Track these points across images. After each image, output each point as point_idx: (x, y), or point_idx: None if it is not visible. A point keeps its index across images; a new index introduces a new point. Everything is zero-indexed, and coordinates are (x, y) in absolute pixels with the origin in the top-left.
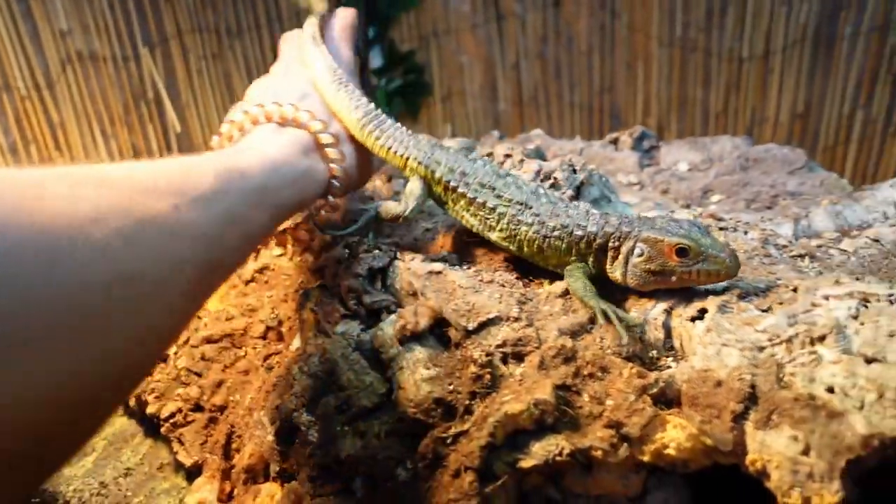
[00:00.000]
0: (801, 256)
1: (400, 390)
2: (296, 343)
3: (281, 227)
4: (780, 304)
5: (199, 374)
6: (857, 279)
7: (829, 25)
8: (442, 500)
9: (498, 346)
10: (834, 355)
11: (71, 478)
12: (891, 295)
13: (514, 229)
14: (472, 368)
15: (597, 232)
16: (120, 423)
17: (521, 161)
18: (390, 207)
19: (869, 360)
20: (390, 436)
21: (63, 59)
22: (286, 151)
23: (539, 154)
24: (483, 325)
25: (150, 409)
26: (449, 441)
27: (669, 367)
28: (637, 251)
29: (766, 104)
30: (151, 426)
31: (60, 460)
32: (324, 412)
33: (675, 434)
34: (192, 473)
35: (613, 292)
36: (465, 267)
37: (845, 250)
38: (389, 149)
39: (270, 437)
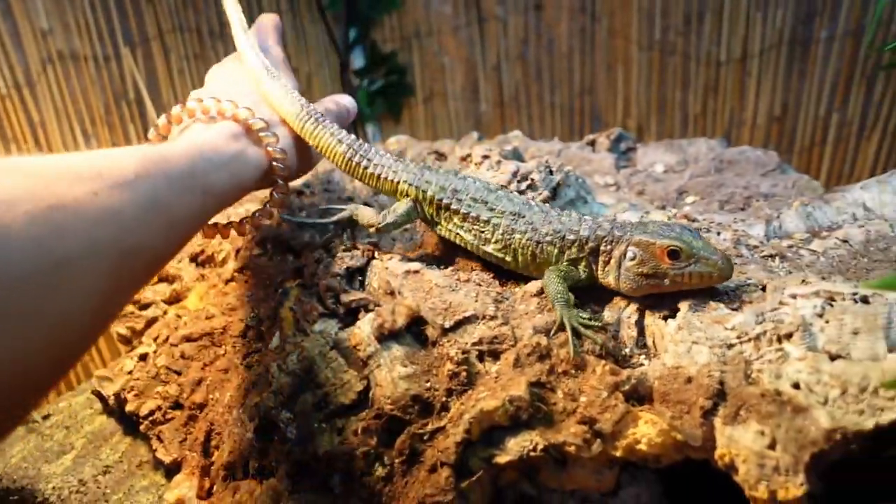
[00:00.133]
0: (772, 257)
1: (377, 387)
2: (275, 341)
3: (232, 220)
4: (749, 302)
5: (178, 373)
6: (824, 278)
7: (804, 30)
8: (418, 496)
9: (474, 344)
10: (800, 352)
11: (50, 476)
12: (855, 294)
13: (509, 238)
14: (449, 366)
15: (588, 236)
16: (99, 421)
17: (499, 162)
18: (367, 214)
19: (833, 357)
20: (367, 432)
21: (44, 58)
22: (213, 138)
23: (517, 155)
24: (460, 324)
25: (129, 407)
26: (426, 437)
27: (642, 364)
28: (629, 255)
29: (744, 107)
30: (130, 424)
31: None
32: (302, 409)
33: (647, 430)
34: (172, 471)
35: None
36: (442, 267)
37: (815, 251)
38: (379, 176)
39: (249, 435)
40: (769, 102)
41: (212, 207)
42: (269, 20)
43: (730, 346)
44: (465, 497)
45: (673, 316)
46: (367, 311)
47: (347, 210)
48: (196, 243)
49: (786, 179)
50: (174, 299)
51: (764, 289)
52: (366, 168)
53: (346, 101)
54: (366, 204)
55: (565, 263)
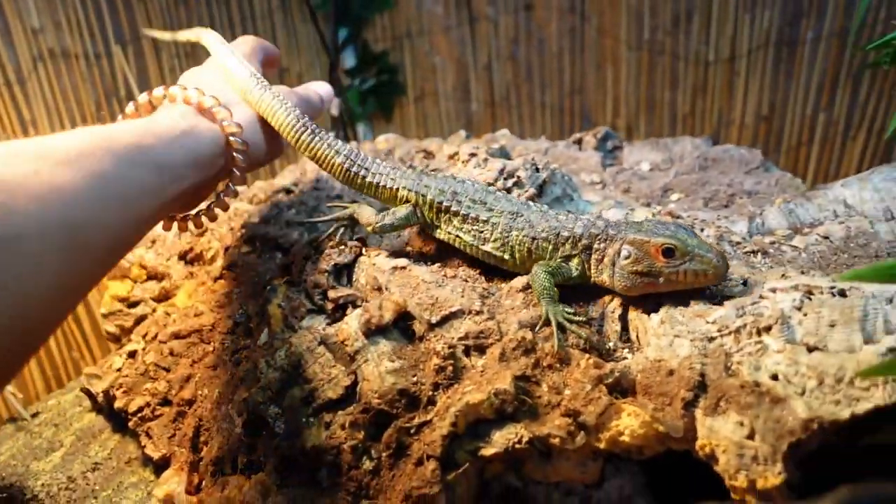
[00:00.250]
0: (754, 252)
1: (364, 382)
2: (263, 338)
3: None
4: (730, 297)
5: (167, 369)
6: (803, 273)
7: (790, 31)
8: (405, 488)
9: (460, 339)
10: (778, 344)
11: (39, 473)
12: (833, 287)
13: (507, 235)
14: (436, 360)
15: (582, 233)
16: (88, 418)
17: (486, 160)
18: (367, 213)
19: (811, 349)
20: (355, 426)
21: (35, 56)
22: (161, 116)
23: (504, 153)
24: (446, 319)
25: (118, 404)
26: (412, 431)
27: (625, 358)
28: (624, 253)
29: (732, 106)
30: (119, 422)
31: None
32: (290, 404)
33: (630, 422)
34: (160, 467)
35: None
36: (429, 263)
37: (797, 247)
38: (378, 184)
39: (238, 430)
40: (757, 102)
41: (170, 184)
42: (250, 41)
43: (711, 339)
44: (451, 489)
45: (656, 310)
46: (355, 306)
47: (350, 208)
48: (185, 241)
49: (769, 177)
50: (163, 297)
51: (745, 283)
52: (364, 177)
53: (323, 90)
54: (369, 203)
55: (558, 260)
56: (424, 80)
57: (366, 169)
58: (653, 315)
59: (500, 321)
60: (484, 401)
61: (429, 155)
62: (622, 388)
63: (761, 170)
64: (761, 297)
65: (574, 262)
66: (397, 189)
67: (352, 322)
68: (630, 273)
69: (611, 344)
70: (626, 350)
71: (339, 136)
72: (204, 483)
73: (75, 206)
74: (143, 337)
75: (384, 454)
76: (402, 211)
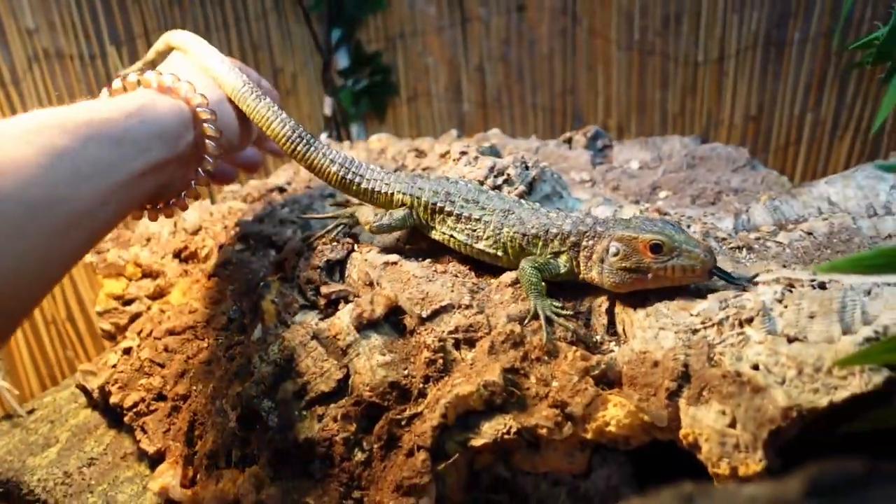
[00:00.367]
0: (740, 248)
1: (356, 375)
2: (257, 333)
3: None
4: (714, 290)
5: (162, 365)
6: (785, 267)
7: (778, 32)
8: (396, 479)
9: (450, 332)
10: (760, 336)
11: (35, 468)
12: (813, 280)
13: (499, 232)
14: (426, 353)
15: (571, 230)
16: (84, 414)
17: (476, 158)
18: (366, 213)
19: (791, 340)
20: (347, 419)
21: (29, 56)
22: (120, 94)
23: (494, 152)
24: (436, 313)
25: (113, 399)
26: (403, 423)
27: (612, 350)
28: (612, 250)
29: (722, 106)
30: (114, 417)
31: None
32: (283, 398)
33: (616, 412)
34: (156, 461)
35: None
36: (420, 259)
37: (781, 242)
38: (373, 190)
39: (232, 424)
40: (745, 102)
41: (133, 157)
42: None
43: (694, 332)
44: (441, 480)
45: (642, 304)
46: (347, 302)
47: (351, 207)
48: (180, 240)
49: (755, 175)
50: (158, 294)
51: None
52: (359, 184)
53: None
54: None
55: (547, 256)
56: (417, 81)
57: (360, 176)
58: (639, 308)
59: (489, 315)
60: (473, 393)
61: (421, 154)
62: (608, 380)
63: (748, 168)
64: (744, 290)
65: (563, 259)
66: (392, 193)
67: (344, 317)
68: (619, 269)
69: (598, 337)
70: (613, 343)
71: (332, 136)
72: (199, 476)
73: (30, 183)
74: (139, 334)
75: (376, 446)
76: (398, 213)
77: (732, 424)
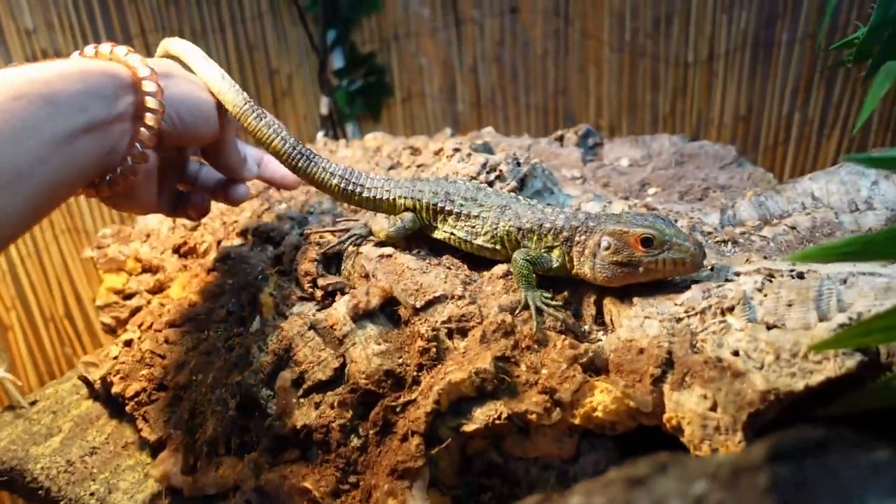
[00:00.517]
0: (725, 242)
1: (353, 364)
2: (256, 325)
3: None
4: (698, 281)
5: (162, 356)
6: (765, 258)
7: (766, 33)
8: (391, 463)
9: (443, 322)
10: (740, 323)
11: (38, 457)
12: (792, 270)
13: (496, 227)
14: (420, 343)
15: (563, 225)
16: (85, 405)
17: (469, 155)
18: (380, 223)
19: (770, 327)
20: (343, 406)
21: (28, 56)
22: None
23: (487, 149)
24: (430, 303)
25: (115, 389)
26: (398, 409)
27: (599, 339)
28: (604, 244)
29: (711, 106)
30: (116, 408)
31: None
32: (281, 386)
33: (602, 398)
34: (157, 449)
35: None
36: (414, 251)
37: (765, 237)
38: (375, 197)
39: (232, 412)
40: (735, 102)
41: (67, 116)
42: None
43: (678, 320)
44: (435, 464)
45: (629, 295)
46: (343, 293)
47: (364, 219)
48: (179, 235)
49: (742, 172)
50: (158, 289)
51: (712, 269)
52: (361, 193)
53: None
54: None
55: (541, 250)
56: (411, 82)
57: (361, 185)
58: (625, 299)
59: (481, 305)
60: (465, 380)
61: (416, 151)
62: (596, 367)
63: (734, 165)
64: (726, 280)
65: (555, 253)
66: (394, 199)
67: (340, 308)
68: (610, 263)
69: (586, 326)
70: (601, 332)
71: (328, 135)
72: (199, 463)
73: None
74: (139, 326)
75: (371, 432)
76: (407, 216)
77: (713, 408)
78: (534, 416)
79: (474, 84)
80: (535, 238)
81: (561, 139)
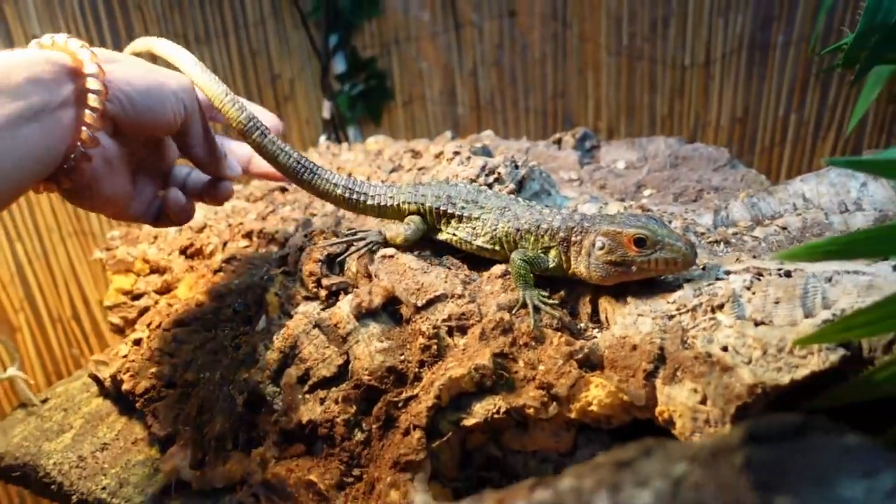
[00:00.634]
0: (718, 242)
1: (356, 361)
2: (262, 324)
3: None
4: (689, 280)
5: (171, 355)
6: (755, 257)
7: (762, 36)
8: (394, 456)
9: (444, 320)
10: (729, 320)
11: (51, 452)
12: (780, 269)
13: (495, 227)
14: (421, 340)
15: (560, 226)
16: (95, 403)
17: (469, 158)
18: (394, 228)
19: (758, 324)
20: (347, 401)
21: None
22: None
23: (486, 152)
24: (431, 302)
25: (125, 387)
26: (400, 404)
27: (595, 336)
28: (598, 244)
29: (708, 109)
30: (125, 406)
31: None
32: (287, 382)
33: (597, 392)
34: (166, 445)
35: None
36: (415, 252)
37: (757, 237)
38: (379, 205)
39: (239, 408)
40: (731, 104)
41: (7, 102)
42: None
43: (670, 317)
44: (436, 457)
45: (623, 294)
46: (347, 293)
47: (378, 227)
48: (186, 237)
49: (735, 174)
50: (165, 289)
51: (704, 268)
52: (365, 202)
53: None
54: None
55: (538, 250)
56: (412, 85)
57: (365, 194)
58: (620, 297)
59: (480, 304)
60: (465, 375)
61: (416, 155)
62: (591, 363)
63: (728, 167)
64: (717, 278)
65: (552, 254)
66: (398, 204)
67: (344, 307)
68: (604, 263)
69: (582, 324)
70: (596, 329)
71: (330, 139)
72: (207, 458)
73: None
74: (148, 326)
75: (374, 426)
76: (416, 219)
77: (703, 401)
78: (531, 411)
79: (474, 87)
80: (533, 239)
81: (559, 142)
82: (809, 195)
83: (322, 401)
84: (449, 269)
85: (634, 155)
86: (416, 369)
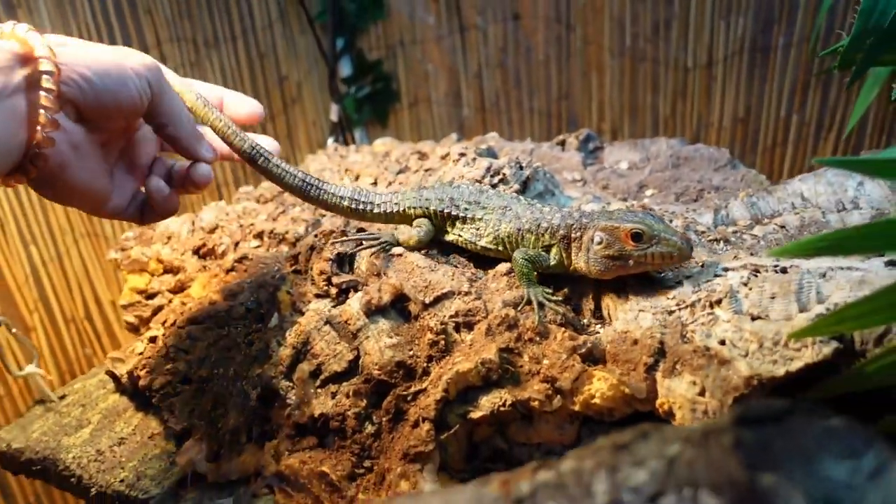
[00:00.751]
0: (717, 241)
1: (366, 356)
2: (274, 321)
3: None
4: (689, 276)
5: (186, 352)
6: (752, 254)
7: (763, 37)
8: (403, 448)
9: (451, 317)
10: (727, 315)
11: (70, 447)
12: (776, 265)
13: (497, 227)
14: (429, 336)
15: (559, 224)
16: (112, 399)
17: (474, 159)
18: (406, 231)
19: (754, 318)
20: (358, 395)
21: None
22: None
23: (491, 153)
24: (438, 299)
25: (142, 383)
26: (409, 398)
27: (597, 331)
28: (596, 239)
29: (711, 109)
30: (142, 401)
31: None
32: (300, 377)
33: (600, 386)
34: (182, 439)
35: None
36: (423, 251)
37: (756, 235)
38: (386, 212)
39: (253, 403)
40: (733, 105)
41: None
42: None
43: (670, 313)
44: (444, 449)
45: (625, 289)
46: (357, 290)
47: (390, 230)
48: (198, 238)
49: (735, 174)
50: (179, 289)
51: (703, 265)
52: (371, 210)
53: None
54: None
55: (539, 249)
56: (417, 87)
57: (370, 202)
58: (622, 293)
59: (486, 301)
60: (472, 370)
61: (423, 156)
62: (594, 357)
63: (728, 167)
64: (715, 275)
65: (553, 252)
66: (404, 210)
67: (354, 304)
68: (602, 257)
69: (585, 320)
70: (598, 324)
71: (338, 141)
72: (222, 451)
73: None
74: (163, 324)
75: (384, 419)
76: (424, 222)
77: (702, 393)
78: (536, 404)
79: (479, 89)
80: (534, 238)
81: (562, 143)
82: (807, 194)
83: (333, 395)
84: (455, 267)
85: (637, 155)
86: (425, 364)
